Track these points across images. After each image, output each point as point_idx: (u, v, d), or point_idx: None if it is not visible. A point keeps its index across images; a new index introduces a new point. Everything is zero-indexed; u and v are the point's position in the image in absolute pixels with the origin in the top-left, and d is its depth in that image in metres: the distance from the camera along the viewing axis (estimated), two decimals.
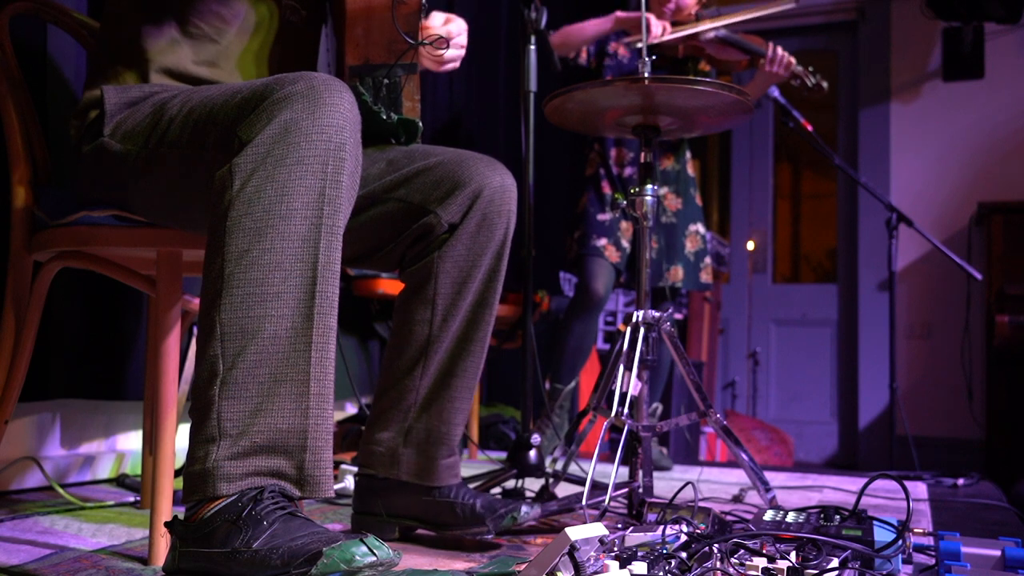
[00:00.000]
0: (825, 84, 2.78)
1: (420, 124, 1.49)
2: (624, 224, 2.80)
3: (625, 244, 2.80)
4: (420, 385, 1.48)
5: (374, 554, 0.96)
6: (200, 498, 1.05)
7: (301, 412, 1.06)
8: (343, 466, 1.97)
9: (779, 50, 2.70)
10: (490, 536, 1.43)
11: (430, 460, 1.48)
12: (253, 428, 1.05)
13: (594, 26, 2.72)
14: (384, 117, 1.45)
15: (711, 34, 2.69)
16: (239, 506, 1.03)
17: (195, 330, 1.87)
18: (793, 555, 1.15)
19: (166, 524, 1.09)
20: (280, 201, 1.06)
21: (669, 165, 2.88)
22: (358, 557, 0.94)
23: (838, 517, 1.36)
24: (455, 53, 1.56)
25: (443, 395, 1.48)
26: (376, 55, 1.40)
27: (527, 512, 1.40)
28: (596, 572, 1.05)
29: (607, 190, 2.82)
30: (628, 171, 2.84)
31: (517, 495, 1.94)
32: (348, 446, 2.48)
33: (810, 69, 2.78)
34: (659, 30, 2.60)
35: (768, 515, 1.42)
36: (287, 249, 1.06)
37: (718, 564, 1.12)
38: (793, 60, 2.73)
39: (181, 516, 1.09)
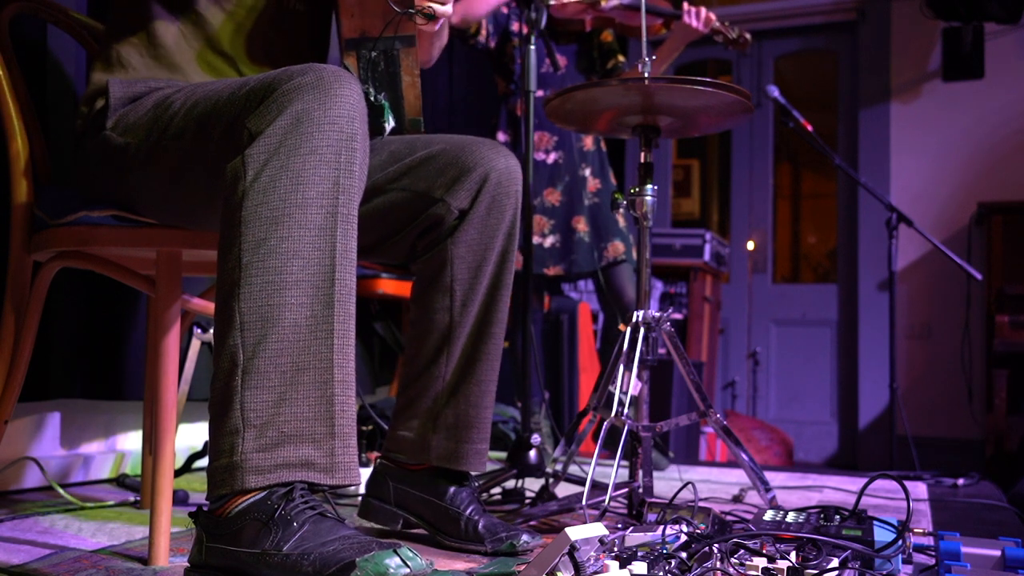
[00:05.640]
0: (748, 35, 2.63)
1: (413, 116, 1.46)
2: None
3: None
4: (446, 372, 1.48)
5: (407, 566, 0.94)
6: (227, 492, 1.04)
7: (326, 399, 1.06)
8: None
9: (697, 7, 2.57)
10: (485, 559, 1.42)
11: (460, 444, 1.48)
12: (279, 418, 1.04)
13: None
14: (371, 99, 1.41)
15: (614, 2, 2.58)
16: (268, 505, 1.02)
17: (195, 330, 1.88)
18: (793, 555, 1.15)
19: (191, 515, 1.09)
20: (295, 190, 1.06)
21: (591, 146, 2.81)
22: (392, 569, 0.93)
23: (838, 517, 1.36)
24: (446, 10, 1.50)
25: (469, 379, 1.48)
26: (373, 27, 1.38)
27: (527, 541, 1.40)
28: (596, 572, 1.05)
29: None
30: (552, 156, 2.78)
31: (517, 495, 1.94)
32: None
33: (727, 23, 2.63)
34: None
35: (768, 515, 1.42)
36: (305, 238, 1.06)
37: (718, 564, 1.12)
38: (712, 15, 2.59)
39: (205, 509, 1.08)
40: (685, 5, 2.59)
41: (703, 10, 2.59)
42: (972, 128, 4.56)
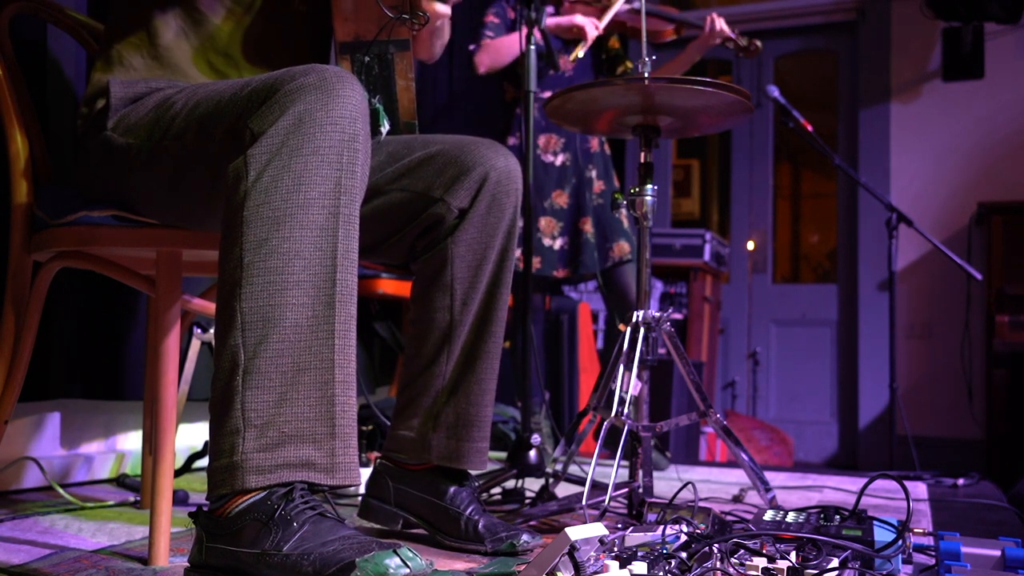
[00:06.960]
0: (759, 43, 2.74)
1: (403, 117, 1.46)
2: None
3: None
4: (446, 371, 1.49)
5: (407, 566, 0.95)
6: (228, 492, 1.04)
7: (327, 400, 1.06)
8: None
9: (710, 18, 2.68)
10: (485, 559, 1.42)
11: (460, 443, 1.48)
12: (279, 418, 1.04)
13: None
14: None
15: (624, 7, 2.65)
16: (268, 504, 1.02)
17: (195, 330, 1.88)
18: (793, 555, 1.15)
19: (191, 515, 1.09)
20: (297, 191, 1.06)
21: (596, 148, 2.85)
22: (392, 569, 0.93)
23: (838, 517, 1.36)
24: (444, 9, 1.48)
25: (469, 378, 1.49)
26: (367, 31, 1.38)
27: (527, 541, 1.40)
28: (596, 572, 1.05)
29: None
30: (560, 158, 2.80)
31: (517, 495, 1.94)
32: None
33: (737, 31, 2.75)
34: (593, 30, 2.57)
35: (768, 515, 1.42)
36: (306, 238, 1.06)
37: (718, 564, 1.12)
38: (725, 24, 2.69)
39: (206, 509, 1.08)
40: (709, 19, 2.67)
41: (715, 20, 2.68)
42: (972, 128, 4.56)
